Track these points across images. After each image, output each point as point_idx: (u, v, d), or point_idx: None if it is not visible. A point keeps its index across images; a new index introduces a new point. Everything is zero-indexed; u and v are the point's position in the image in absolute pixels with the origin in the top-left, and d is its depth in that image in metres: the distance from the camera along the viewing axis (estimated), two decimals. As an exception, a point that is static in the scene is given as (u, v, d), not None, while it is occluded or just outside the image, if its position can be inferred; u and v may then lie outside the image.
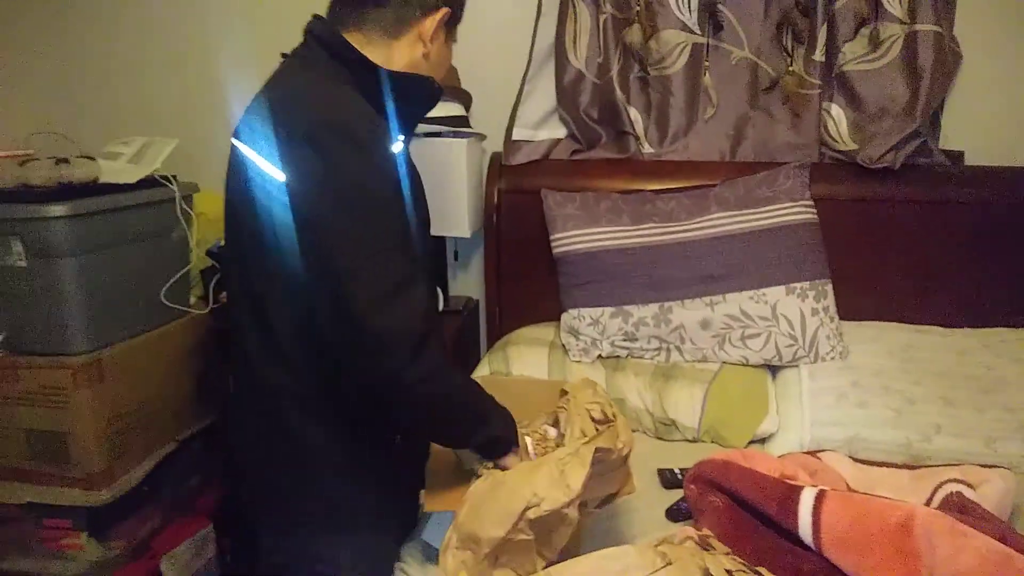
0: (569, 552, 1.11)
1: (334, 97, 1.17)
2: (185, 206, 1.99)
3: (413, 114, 1.34)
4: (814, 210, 2.01)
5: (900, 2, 2.02)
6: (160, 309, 1.97)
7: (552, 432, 1.31)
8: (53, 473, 1.82)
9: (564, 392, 1.34)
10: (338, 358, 1.15)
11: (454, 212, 2.16)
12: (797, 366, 1.88)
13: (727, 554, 1.13)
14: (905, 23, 2.03)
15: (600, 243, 2.02)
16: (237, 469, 1.40)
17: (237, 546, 2.08)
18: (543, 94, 2.26)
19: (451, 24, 1.30)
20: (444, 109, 2.08)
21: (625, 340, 1.96)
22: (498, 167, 2.27)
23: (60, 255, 1.72)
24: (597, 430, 1.20)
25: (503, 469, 1.21)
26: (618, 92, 2.18)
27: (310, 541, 1.30)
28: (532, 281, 2.23)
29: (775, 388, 1.87)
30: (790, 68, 2.11)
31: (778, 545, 1.13)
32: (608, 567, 1.03)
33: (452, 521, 1.13)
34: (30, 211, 1.68)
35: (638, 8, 2.12)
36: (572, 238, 2.05)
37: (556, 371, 1.93)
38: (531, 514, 1.06)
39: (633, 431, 1.79)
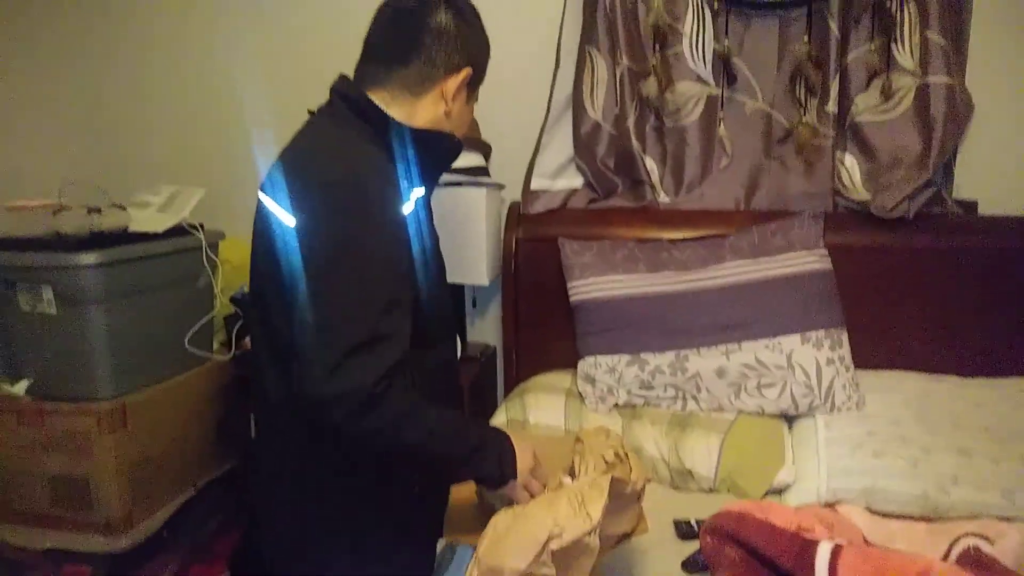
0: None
1: (352, 154, 1.22)
2: (211, 254, 2.03)
3: (435, 168, 1.38)
4: (828, 259, 2.03)
5: (912, 54, 2.05)
6: (184, 355, 2.01)
7: (568, 481, 1.32)
8: (74, 519, 1.84)
9: (578, 439, 1.35)
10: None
11: (473, 260, 2.19)
12: (813, 416, 1.88)
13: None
14: (917, 75, 2.06)
15: (617, 291, 2.04)
16: (256, 514, 1.41)
17: (254, 592, 2.08)
18: (560, 145, 2.30)
19: (473, 84, 1.34)
20: (464, 159, 2.12)
21: (641, 388, 1.97)
22: (516, 216, 2.31)
23: (89, 302, 1.76)
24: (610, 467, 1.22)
25: (512, 500, 1.23)
26: (634, 142, 2.22)
27: (328, 587, 1.32)
28: (549, 328, 2.25)
29: (791, 438, 1.86)
30: (803, 119, 2.14)
31: (794, 599, 1.13)
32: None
33: (472, 556, 1.14)
34: (61, 259, 1.73)
35: (654, 61, 2.17)
36: (589, 286, 2.07)
37: (573, 419, 1.93)
38: (553, 544, 1.06)
39: (649, 480, 1.80)
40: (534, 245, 2.26)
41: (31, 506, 1.85)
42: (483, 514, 1.25)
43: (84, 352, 1.80)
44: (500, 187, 2.32)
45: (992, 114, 2.10)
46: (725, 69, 2.17)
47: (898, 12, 2.04)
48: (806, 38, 2.09)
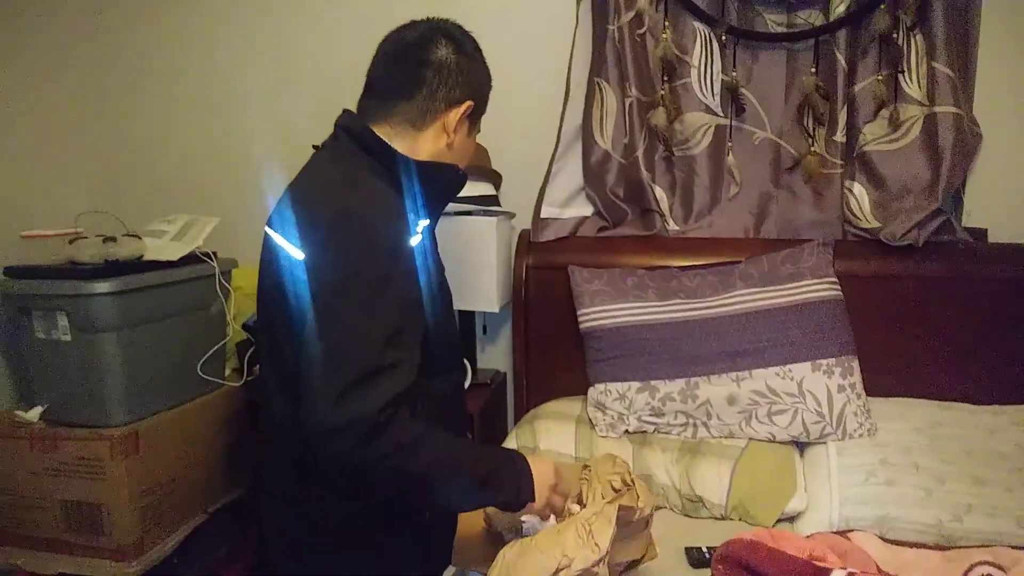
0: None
1: (359, 188, 1.24)
2: (224, 281, 2.06)
3: (440, 199, 1.40)
4: (838, 286, 2.03)
5: (919, 85, 2.07)
6: (196, 381, 2.02)
7: (576, 509, 1.32)
8: (85, 544, 1.85)
9: (586, 466, 1.36)
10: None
11: (483, 287, 2.21)
12: (825, 443, 1.88)
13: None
14: (925, 105, 2.07)
15: (626, 319, 2.05)
16: (266, 540, 1.42)
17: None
18: (570, 174, 2.32)
19: (474, 116, 1.36)
20: (475, 188, 2.15)
21: (652, 415, 1.97)
22: (526, 244, 2.33)
23: (104, 330, 1.78)
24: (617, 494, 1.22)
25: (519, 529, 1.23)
26: (644, 171, 2.23)
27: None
28: (559, 355, 2.26)
29: (803, 465, 1.86)
30: (812, 149, 2.15)
31: (806, 627, 1.12)
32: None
33: None
34: (77, 287, 1.75)
35: (662, 92, 2.19)
36: (599, 313, 2.08)
37: (583, 446, 1.93)
38: None
39: (660, 508, 1.79)
40: (544, 273, 2.27)
41: (44, 531, 1.86)
42: (491, 543, 1.25)
43: (98, 379, 1.82)
44: (511, 215, 2.34)
45: (1002, 142, 2.11)
46: (733, 100, 2.19)
47: (905, 43, 2.06)
48: (813, 69, 2.12)
